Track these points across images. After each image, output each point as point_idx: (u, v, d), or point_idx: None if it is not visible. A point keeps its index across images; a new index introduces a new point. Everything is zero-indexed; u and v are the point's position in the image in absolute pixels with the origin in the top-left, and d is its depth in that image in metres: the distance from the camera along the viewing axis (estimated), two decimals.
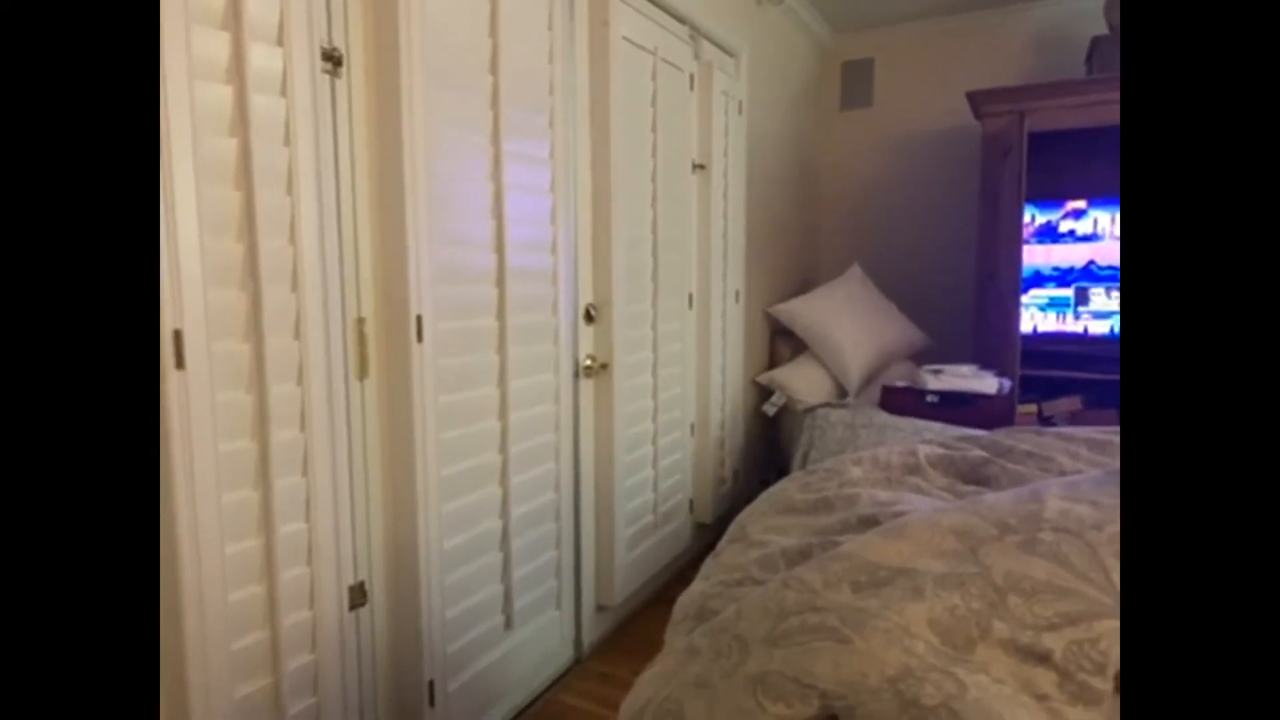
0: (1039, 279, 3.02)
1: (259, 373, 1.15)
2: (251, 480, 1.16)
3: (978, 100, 2.95)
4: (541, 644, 1.83)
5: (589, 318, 1.99)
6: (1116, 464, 1.22)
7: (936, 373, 2.64)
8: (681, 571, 2.61)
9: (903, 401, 2.67)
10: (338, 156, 1.27)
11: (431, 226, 1.40)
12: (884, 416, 2.60)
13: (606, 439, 2.05)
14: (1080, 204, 2.96)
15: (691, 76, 2.42)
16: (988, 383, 2.56)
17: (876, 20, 3.54)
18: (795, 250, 3.62)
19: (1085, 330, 2.96)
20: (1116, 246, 2.92)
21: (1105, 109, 2.68)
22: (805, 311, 3.10)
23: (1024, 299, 2.98)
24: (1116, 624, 0.69)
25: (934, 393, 2.60)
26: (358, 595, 1.36)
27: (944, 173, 3.59)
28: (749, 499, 1.45)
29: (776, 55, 3.21)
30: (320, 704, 1.27)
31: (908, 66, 3.61)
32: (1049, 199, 3.00)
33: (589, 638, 2.09)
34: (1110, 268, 2.92)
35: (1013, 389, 2.60)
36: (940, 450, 1.39)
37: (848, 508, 1.12)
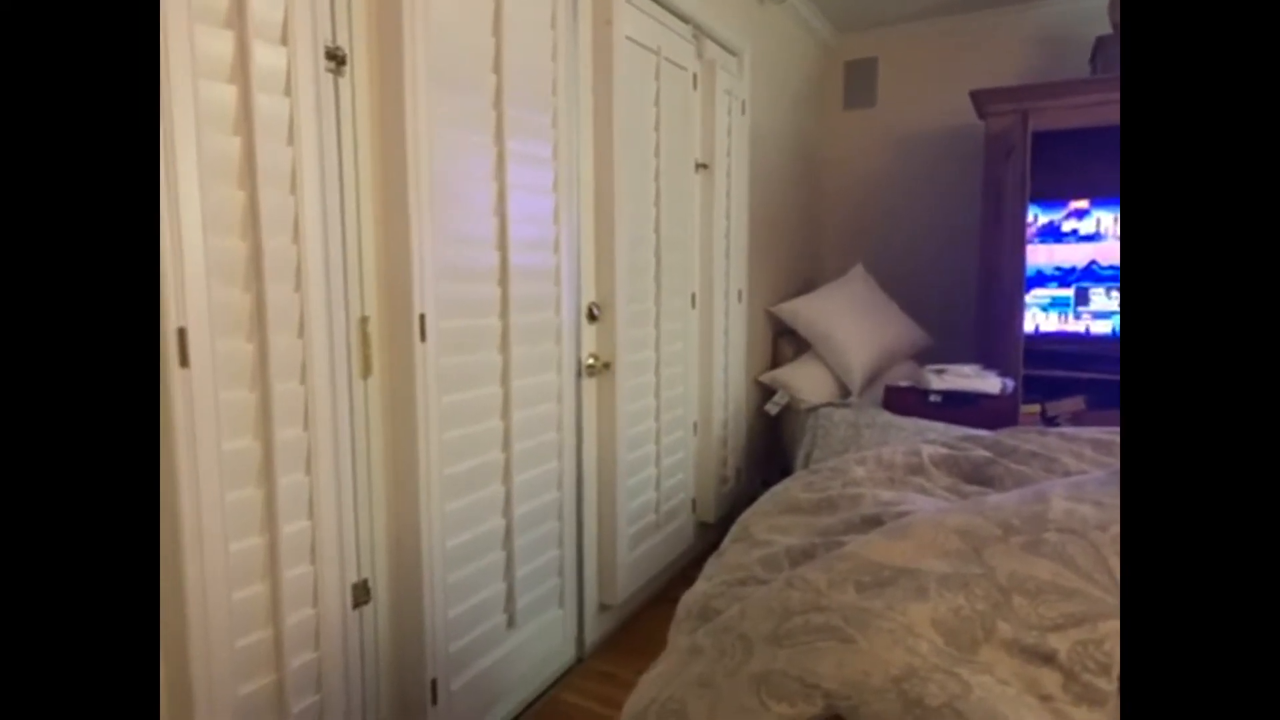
0: (1041, 279, 3.01)
1: (262, 371, 1.15)
2: (255, 478, 1.16)
3: (981, 99, 2.94)
4: (544, 643, 1.83)
5: (592, 317, 1.99)
6: None
7: (939, 372, 2.64)
8: (684, 571, 2.61)
9: (906, 401, 2.67)
10: (341, 155, 1.27)
11: (435, 225, 1.40)
12: (887, 416, 2.60)
13: (609, 438, 2.05)
14: (1083, 204, 2.95)
15: (694, 76, 2.42)
16: (991, 383, 2.56)
17: (879, 20, 3.54)
18: (798, 250, 3.62)
19: (1087, 330, 2.96)
20: (1118, 246, 2.92)
21: (1109, 109, 2.67)
22: (808, 311, 3.10)
23: (1026, 298, 2.98)
24: None
25: (937, 392, 2.60)
26: (360, 593, 1.36)
27: (947, 172, 3.59)
28: (751, 498, 1.45)
29: (779, 54, 3.21)
30: (323, 702, 1.27)
31: (911, 66, 3.61)
32: (1052, 199, 2.99)
33: (591, 637, 2.09)
34: (1112, 268, 2.91)
35: (1016, 389, 2.60)
36: (944, 450, 1.38)
37: (851, 507, 1.12)
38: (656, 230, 2.23)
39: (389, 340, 1.39)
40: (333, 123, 1.24)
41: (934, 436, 1.73)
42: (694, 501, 2.63)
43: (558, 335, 1.81)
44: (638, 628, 2.25)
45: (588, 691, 1.91)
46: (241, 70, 1.09)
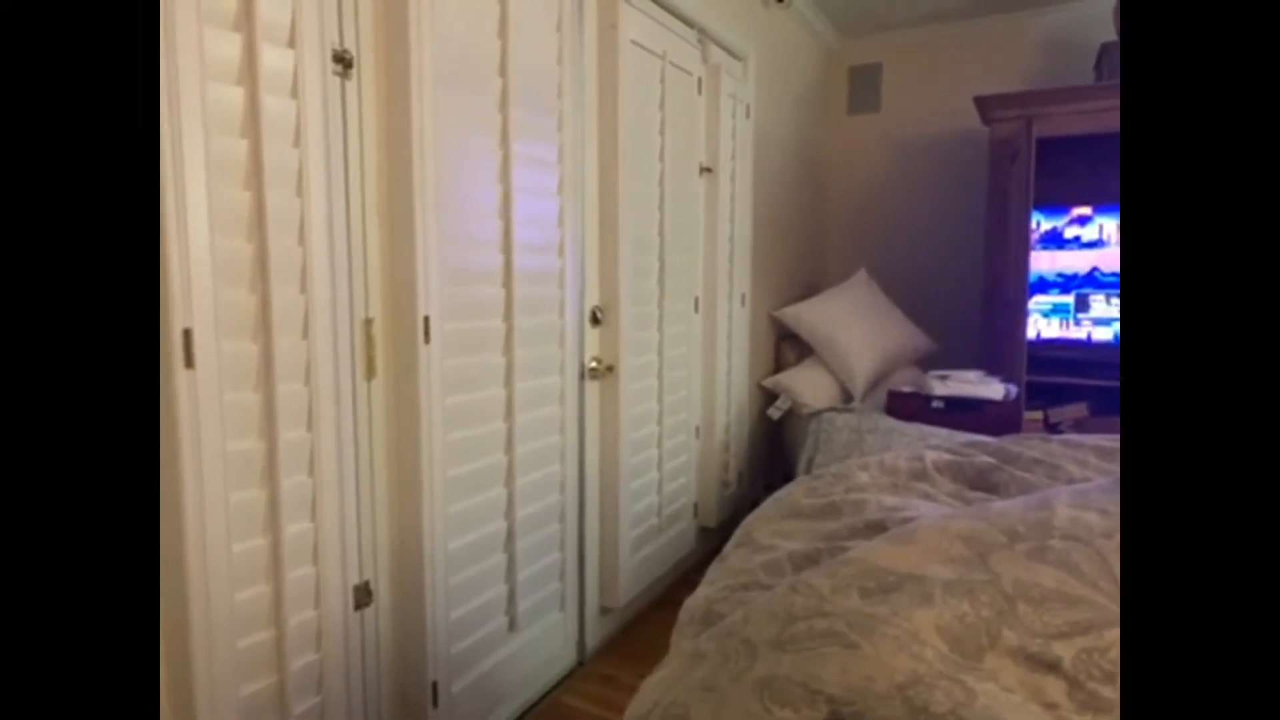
0: (1043, 285, 3.01)
1: (267, 372, 1.15)
2: (258, 479, 1.16)
3: (986, 105, 2.94)
4: (545, 646, 1.83)
5: (595, 320, 1.99)
6: None
7: (943, 378, 2.64)
8: (686, 575, 2.60)
9: (909, 406, 2.66)
10: (347, 158, 1.28)
11: (440, 228, 1.41)
12: (890, 421, 2.60)
13: (611, 441, 2.05)
14: (1086, 210, 2.95)
15: (699, 80, 2.43)
16: (994, 388, 2.55)
17: (884, 24, 3.54)
18: (801, 254, 3.62)
19: (1088, 337, 2.96)
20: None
21: (1113, 115, 2.67)
22: (811, 315, 3.10)
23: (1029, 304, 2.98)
24: None
25: (940, 398, 2.60)
26: (363, 595, 1.36)
27: (950, 177, 3.59)
28: (754, 503, 1.45)
29: (784, 59, 3.21)
30: (324, 703, 1.27)
31: (916, 71, 3.61)
32: (1055, 205, 2.99)
33: (592, 640, 2.09)
34: (1113, 274, 2.91)
35: (1019, 395, 2.60)
36: (948, 456, 1.38)
37: (855, 513, 1.12)
38: (660, 234, 2.23)
39: (393, 342, 1.40)
40: (339, 125, 1.25)
41: (937, 442, 1.72)
42: (696, 506, 2.63)
43: (561, 338, 1.81)
44: (639, 632, 2.25)
45: (589, 695, 1.91)
46: (249, 72, 1.09)
